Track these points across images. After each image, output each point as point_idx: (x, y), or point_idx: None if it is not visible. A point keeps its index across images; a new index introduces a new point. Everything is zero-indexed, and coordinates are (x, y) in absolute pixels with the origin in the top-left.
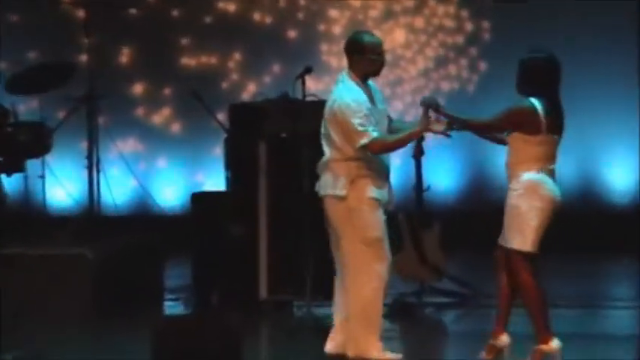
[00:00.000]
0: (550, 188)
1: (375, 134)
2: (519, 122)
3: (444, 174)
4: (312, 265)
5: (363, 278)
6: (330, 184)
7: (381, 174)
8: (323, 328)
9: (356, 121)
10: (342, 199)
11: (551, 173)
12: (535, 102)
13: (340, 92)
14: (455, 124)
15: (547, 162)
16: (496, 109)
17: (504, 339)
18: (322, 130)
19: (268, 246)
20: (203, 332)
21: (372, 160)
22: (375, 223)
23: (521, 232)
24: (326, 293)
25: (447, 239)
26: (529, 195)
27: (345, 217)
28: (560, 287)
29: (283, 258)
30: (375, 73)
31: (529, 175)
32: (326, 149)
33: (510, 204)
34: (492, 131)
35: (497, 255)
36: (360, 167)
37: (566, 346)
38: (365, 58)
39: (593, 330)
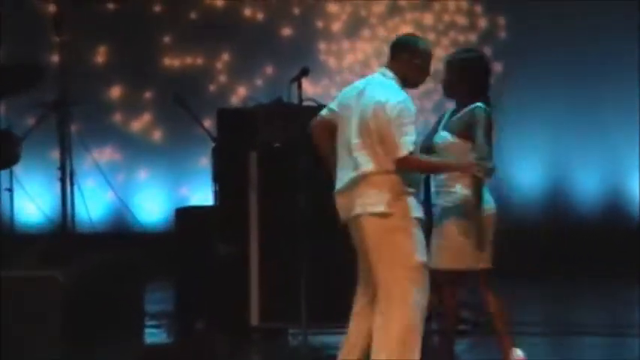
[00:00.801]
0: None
1: (412, 148)
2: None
3: None
4: (308, 288)
5: (403, 308)
6: (372, 201)
7: (419, 192)
8: (320, 359)
9: (408, 129)
10: (384, 216)
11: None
12: (485, 106)
13: (396, 92)
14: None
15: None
16: (512, 113)
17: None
18: (356, 135)
19: (260, 267)
20: None
21: (411, 174)
22: (420, 246)
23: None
24: (323, 320)
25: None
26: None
27: (386, 238)
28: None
29: (276, 280)
30: (416, 84)
31: (466, 190)
32: (362, 159)
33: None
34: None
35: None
36: (404, 182)
37: None
38: (414, 63)
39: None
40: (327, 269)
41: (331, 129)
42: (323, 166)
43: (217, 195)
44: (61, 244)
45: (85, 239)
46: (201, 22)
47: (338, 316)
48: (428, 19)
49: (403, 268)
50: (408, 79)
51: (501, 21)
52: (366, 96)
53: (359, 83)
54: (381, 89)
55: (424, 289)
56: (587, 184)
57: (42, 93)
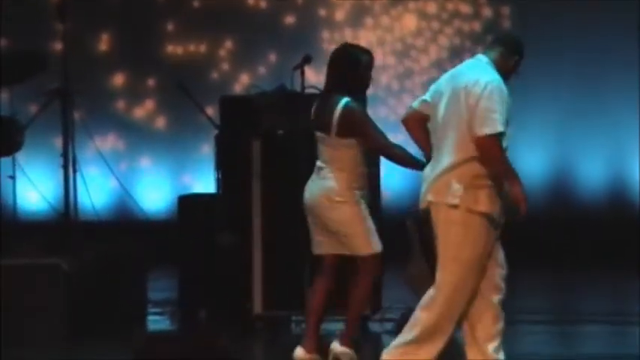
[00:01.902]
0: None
1: (501, 129)
2: None
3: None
4: (311, 276)
5: (453, 308)
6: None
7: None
8: (323, 347)
9: (499, 108)
10: (454, 207)
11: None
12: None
13: (492, 74)
14: None
15: None
16: (515, 103)
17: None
18: (442, 119)
19: (263, 255)
20: (190, 351)
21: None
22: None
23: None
24: (327, 308)
25: None
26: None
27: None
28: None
29: (280, 269)
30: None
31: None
32: (449, 147)
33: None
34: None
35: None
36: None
37: None
38: (513, 61)
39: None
40: None
41: (423, 121)
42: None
43: (220, 183)
44: (64, 233)
45: (87, 227)
46: (205, 9)
47: (341, 304)
48: (431, 7)
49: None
50: (504, 74)
51: (505, 10)
52: (458, 78)
53: (452, 70)
54: (474, 70)
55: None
56: (591, 172)
57: (45, 80)
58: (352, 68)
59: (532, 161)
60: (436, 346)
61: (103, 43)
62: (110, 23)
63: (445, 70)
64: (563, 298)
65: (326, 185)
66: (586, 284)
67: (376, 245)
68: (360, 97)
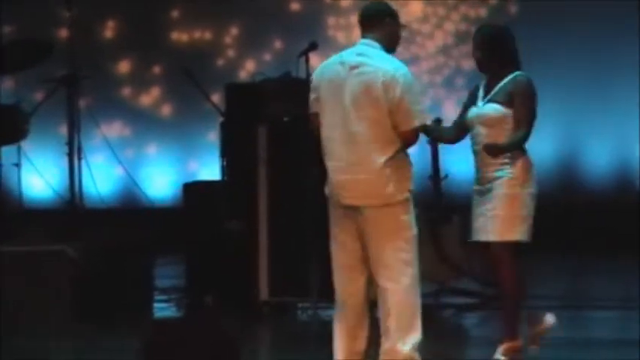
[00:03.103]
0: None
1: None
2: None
3: (464, 160)
4: (317, 263)
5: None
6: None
7: None
8: (330, 334)
9: (420, 99)
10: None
11: None
12: (525, 74)
13: (396, 63)
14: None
15: None
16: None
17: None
18: (359, 108)
19: (269, 242)
20: (197, 337)
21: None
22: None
23: (523, 222)
24: (333, 294)
25: (468, 234)
26: (525, 181)
27: None
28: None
29: (286, 255)
30: (395, 49)
31: (523, 158)
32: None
33: (510, 193)
34: None
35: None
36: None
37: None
38: (393, 28)
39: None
40: None
41: None
42: None
43: (226, 170)
44: (70, 220)
45: (93, 215)
46: None
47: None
48: None
49: None
50: (390, 46)
51: None
52: (365, 68)
53: (337, 58)
54: (382, 59)
55: None
56: (598, 158)
57: (51, 68)
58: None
59: (538, 145)
60: None
61: (109, 30)
62: (116, 10)
63: (451, 56)
64: (573, 284)
65: None
66: (595, 269)
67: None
68: None
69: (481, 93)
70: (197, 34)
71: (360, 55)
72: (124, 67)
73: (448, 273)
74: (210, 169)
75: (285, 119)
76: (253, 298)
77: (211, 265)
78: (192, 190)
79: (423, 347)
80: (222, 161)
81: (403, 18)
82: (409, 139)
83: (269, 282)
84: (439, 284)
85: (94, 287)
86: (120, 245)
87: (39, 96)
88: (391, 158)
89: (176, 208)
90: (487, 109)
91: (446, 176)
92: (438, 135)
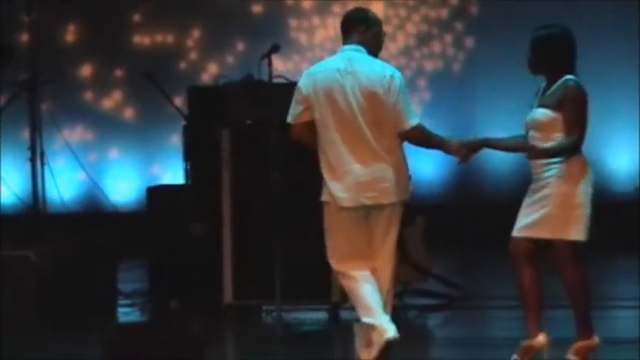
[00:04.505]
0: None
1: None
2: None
3: (427, 160)
4: (281, 265)
5: None
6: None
7: None
8: (294, 336)
9: (410, 101)
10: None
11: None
12: (575, 78)
13: (388, 66)
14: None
15: None
16: (485, 89)
17: (542, 339)
18: (364, 112)
19: (233, 245)
20: (161, 341)
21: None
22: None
23: (578, 221)
24: (297, 297)
25: (432, 235)
26: (580, 180)
27: None
28: None
29: (250, 258)
30: (378, 53)
31: (577, 158)
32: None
33: (562, 192)
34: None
35: (518, 249)
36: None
37: None
38: (375, 32)
39: None
40: (300, 246)
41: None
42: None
43: (189, 173)
44: (32, 225)
45: (56, 219)
46: None
47: (311, 293)
48: None
49: None
50: (374, 50)
51: None
52: (362, 73)
53: (328, 65)
54: (375, 64)
55: None
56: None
57: (12, 72)
58: None
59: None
60: None
61: (70, 34)
62: (77, 14)
63: (413, 58)
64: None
65: None
66: (611, 269)
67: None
68: None
69: (538, 96)
70: (159, 37)
71: (351, 60)
72: (85, 70)
73: (412, 274)
74: (173, 173)
75: (248, 122)
76: (218, 301)
77: (175, 268)
78: (156, 193)
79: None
80: (186, 165)
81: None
82: (411, 137)
83: (233, 285)
84: (403, 285)
85: (58, 292)
86: (83, 250)
87: (0, 101)
88: (401, 157)
89: (140, 212)
90: (538, 113)
91: (409, 177)
92: (502, 147)
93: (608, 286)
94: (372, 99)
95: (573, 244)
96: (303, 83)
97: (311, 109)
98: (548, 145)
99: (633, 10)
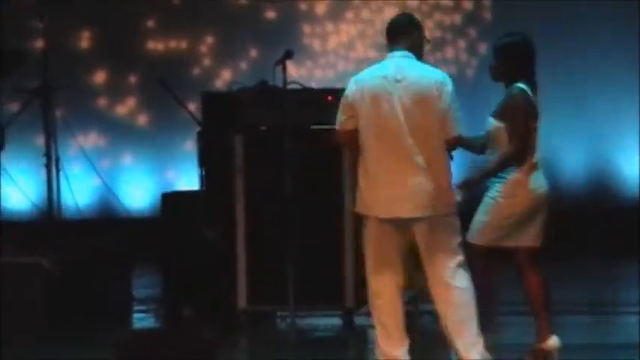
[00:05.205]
0: (532, 186)
1: None
2: (527, 112)
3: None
4: (296, 271)
5: None
6: None
7: None
8: (308, 342)
9: (459, 109)
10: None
11: (536, 167)
12: (523, 86)
13: (440, 72)
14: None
15: (532, 155)
16: (498, 95)
17: (552, 342)
18: (411, 120)
19: (247, 251)
20: (175, 347)
21: None
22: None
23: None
24: (311, 302)
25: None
26: (514, 200)
27: None
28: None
29: (264, 263)
30: (422, 56)
31: (515, 175)
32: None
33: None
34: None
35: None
36: None
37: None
38: (422, 37)
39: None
40: (314, 251)
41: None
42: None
43: (203, 179)
44: (47, 231)
45: (71, 225)
46: (185, 5)
47: (326, 299)
48: (412, 0)
49: None
50: (419, 55)
51: (486, 2)
52: (412, 80)
53: (375, 72)
54: (425, 70)
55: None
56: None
57: (26, 79)
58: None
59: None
60: None
61: (84, 40)
62: (90, 20)
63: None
64: (598, 289)
65: None
66: (619, 274)
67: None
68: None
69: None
70: (172, 44)
71: (401, 67)
72: (99, 77)
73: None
74: (187, 179)
75: (262, 128)
76: (231, 307)
77: (189, 274)
78: (171, 199)
79: None
80: (200, 170)
81: (378, 25)
82: (455, 145)
83: (247, 290)
84: (417, 290)
85: (71, 298)
86: (98, 256)
87: (14, 107)
88: (443, 169)
89: (154, 217)
90: (487, 122)
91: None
92: (469, 145)
93: (609, 291)
94: (423, 105)
95: (527, 249)
96: (349, 90)
97: (356, 117)
98: (485, 166)
99: (633, 10)
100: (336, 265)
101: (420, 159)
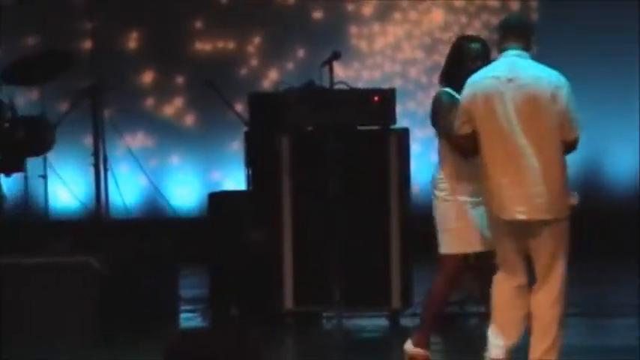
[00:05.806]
0: None
1: None
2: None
3: None
4: (342, 271)
5: None
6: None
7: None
8: (354, 342)
9: (577, 110)
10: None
11: None
12: (449, 90)
13: (555, 72)
14: None
15: None
16: None
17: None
18: (524, 121)
19: (293, 251)
20: (222, 348)
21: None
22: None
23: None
24: (357, 303)
25: None
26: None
27: None
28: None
29: (310, 264)
30: None
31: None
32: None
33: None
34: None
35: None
36: None
37: None
38: (533, 38)
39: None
40: (360, 252)
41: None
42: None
43: (250, 179)
44: (95, 231)
45: (118, 225)
46: (233, 5)
47: (372, 300)
48: (459, 1)
49: None
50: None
51: (533, 3)
52: (524, 80)
53: (486, 73)
54: (539, 69)
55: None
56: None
57: (75, 79)
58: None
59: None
60: None
61: (132, 41)
62: (139, 21)
63: None
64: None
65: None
66: (614, 276)
67: (450, 247)
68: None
69: None
70: (220, 44)
71: (514, 66)
72: (147, 77)
73: (474, 281)
74: (234, 179)
75: (309, 128)
76: (278, 308)
77: (236, 275)
78: (218, 199)
79: (449, 356)
80: (247, 171)
81: (425, 26)
82: (573, 147)
83: (293, 291)
84: (465, 292)
85: (119, 298)
86: (145, 256)
87: (64, 107)
88: (560, 171)
89: (201, 218)
90: None
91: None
92: None
93: (607, 294)
94: (535, 106)
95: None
96: (464, 94)
97: (472, 121)
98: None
99: (633, 11)
100: (382, 266)
101: (536, 161)
